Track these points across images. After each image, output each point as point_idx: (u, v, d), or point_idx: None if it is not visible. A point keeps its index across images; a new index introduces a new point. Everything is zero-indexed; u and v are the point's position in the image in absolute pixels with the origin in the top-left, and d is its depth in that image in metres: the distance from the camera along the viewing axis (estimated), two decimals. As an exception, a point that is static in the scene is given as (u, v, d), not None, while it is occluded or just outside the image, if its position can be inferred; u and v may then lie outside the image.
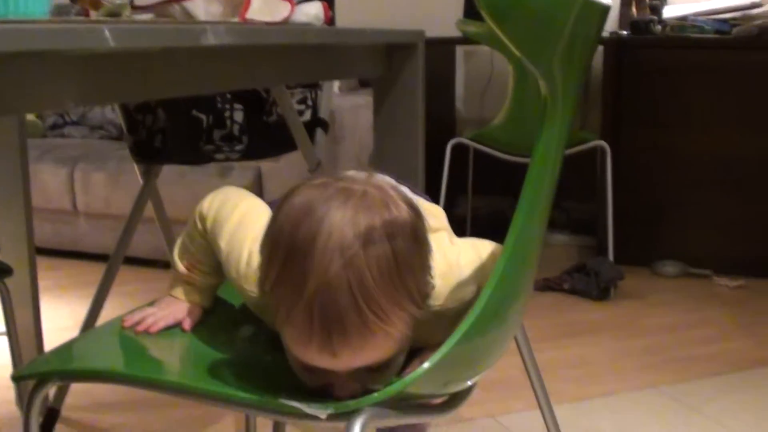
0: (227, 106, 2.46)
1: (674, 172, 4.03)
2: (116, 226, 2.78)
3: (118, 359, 1.36)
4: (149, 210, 2.63)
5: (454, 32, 4.20)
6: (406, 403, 1.19)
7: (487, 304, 1.16)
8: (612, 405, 2.64)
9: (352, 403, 1.11)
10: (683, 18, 4.07)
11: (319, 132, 2.51)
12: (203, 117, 2.45)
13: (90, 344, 1.41)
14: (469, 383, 1.30)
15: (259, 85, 2.28)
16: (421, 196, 1.52)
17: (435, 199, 1.55)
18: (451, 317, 1.23)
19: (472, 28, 3.92)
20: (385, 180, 1.19)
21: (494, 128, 4.22)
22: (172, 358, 1.39)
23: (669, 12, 4.18)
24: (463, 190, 4.61)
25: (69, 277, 4.09)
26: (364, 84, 4.43)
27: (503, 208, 4.69)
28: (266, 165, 3.93)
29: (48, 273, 4.10)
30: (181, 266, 1.47)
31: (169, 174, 3.75)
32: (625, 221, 4.06)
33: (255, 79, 1.69)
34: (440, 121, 4.84)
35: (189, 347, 1.39)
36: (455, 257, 1.29)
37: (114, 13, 1.61)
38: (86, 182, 4.22)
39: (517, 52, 1.10)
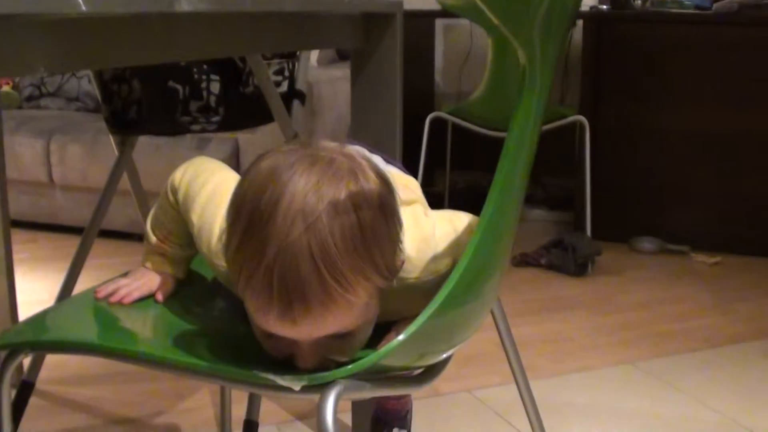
0: (204, 77, 2.44)
1: (653, 148, 4.03)
2: (93, 198, 2.76)
3: (91, 330, 1.35)
4: (126, 183, 2.61)
5: (433, 5, 4.18)
6: (380, 376, 1.18)
7: (462, 277, 1.15)
8: (588, 380, 2.64)
9: (325, 375, 1.10)
10: (663, -7, 4.07)
11: (296, 104, 2.49)
12: (179, 88, 2.43)
13: (63, 315, 1.40)
14: (445, 356, 1.30)
15: (234, 54, 2.26)
16: (395, 165, 1.50)
17: (413, 174, 1.53)
18: (426, 290, 1.21)
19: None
20: (357, 150, 1.17)
21: (473, 102, 4.22)
22: (146, 329, 1.37)
23: (649, -13, 4.17)
24: (441, 165, 4.61)
25: (45, 249, 4.07)
26: (342, 57, 4.41)
27: (481, 183, 4.69)
28: (243, 137, 3.91)
29: (25, 246, 4.09)
30: (153, 238, 1.46)
31: (145, 146, 3.74)
32: (603, 197, 4.07)
33: (230, 48, 1.67)
34: (419, 95, 4.83)
35: (163, 319, 1.37)
36: (430, 229, 1.28)
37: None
38: (62, 154, 4.19)
39: (495, 21, 1.09)
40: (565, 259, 3.70)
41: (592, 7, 4.20)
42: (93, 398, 2.50)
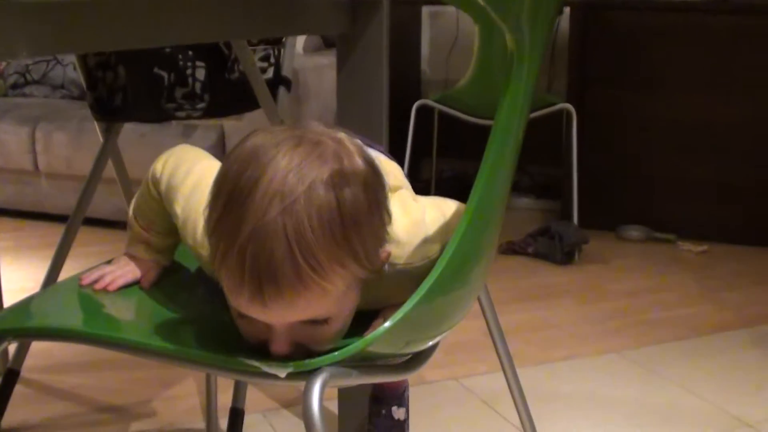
0: (189, 64, 2.43)
1: (640, 137, 4.03)
2: (78, 186, 2.75)
3: (76, 317, 1.34)
4: (111, 171, 2.60)
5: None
6: (367, 363, 1.18)
7: (448, 264, 1.14)
8: (575, 368, 2.64)
9: (311, 362, 1.09)
10: (651, -19, 4.06)
11: (281, 90, 2.48)
12: (164, 75, 2.42)
13: (47, 302, 1.38)
14: (431, 343, 1.29)
15: (220, 38, 2.25)
16: (376, 149, 1.48)
17: (399, 162, 1.52)
18: (416, 276, 1.18)
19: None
20: (348, 135, 1.14)
21: (459, 90, 4.21)
22: (131, 316, 1.37)
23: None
24: (427, 153, 4.59)
25: (31, 238, 4.05)
26: (328, 44, 4.39)
27: (468, 172, 4.69)
28: (229, 124, 3.90)
29: (10, 234, 4.07)
30: (137, 226, 1.44)
31: (130, 134, 3.73)
32: (590, 185, 4.07)
33: (216, 32, 1.66)
34: (405, 82, 4.82)
35: (148, 306, 1.37)
36: (420, 214, 1.26)
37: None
38: (48, 142, 4.17)
39: (483, 3, 1.08)
40: (552, 247, 3.69)
41: (579, -5, 4.20)
42: (78, 386, 2.49)
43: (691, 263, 3.71)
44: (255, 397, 2.39)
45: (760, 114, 3.82)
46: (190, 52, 2.42)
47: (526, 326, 2.97)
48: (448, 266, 1.15)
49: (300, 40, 4.18)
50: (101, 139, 2.49)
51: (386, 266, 1.18)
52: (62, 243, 2.37)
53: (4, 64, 5.02)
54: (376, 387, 2.06)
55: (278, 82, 2.49)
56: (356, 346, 1.10)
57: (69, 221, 2.39)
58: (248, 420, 2.20)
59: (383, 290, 1.21)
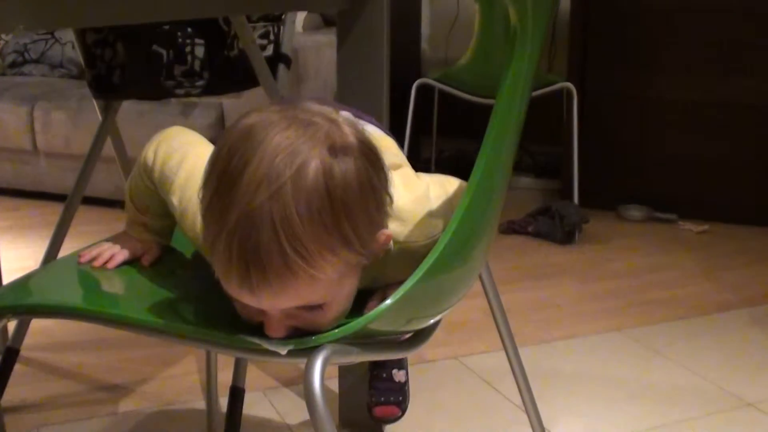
0: (188, 41, 2.41)
1: (641, 116, 4.02)
2: (77, 165, 2.73)
3: (75, 294, 1.33)
4: (110, 150, 2.59)
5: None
6: (368, 340, 1.17)
7: (450, 241, 1.14)
8: (575, 347, 2.64)
9: (312, 340, 1.09)
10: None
11: (281, 68, 2.47)
12: (163, 52, 2.41)
13: (46, 279, 1.38)
14: (432, 321, 1.28)
15: (218, 13, 2.23)
16: (372, 123, 1.45)
17: (399, 141, 1.50)
18: (419, 254, 1.16)
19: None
20: (346, 116, 1.11)
21: (460, 69, 4.20)
22: (131, 293, 1.36)
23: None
24: (427, 132, 4.58)
25: (30, 217, 4.04)
26: (328, 22, 4.38)
27: (468, 151, 4.67)
28: (228, 102, 3.89)
29: (9, 213, 4.07)
30: (134, 210, 1.43)
31: (129, 112, 3.72)
32: (591, 165, 4.06)
33: (214, 6, 1.65)
34: (405, 61, 4.81)
35: (147, 283, 1.36)
36: (423, 191, 1.25)
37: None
38: (46, 121, 4.16)
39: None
40: (553, 226, 3.69)
41: (580, -26, 4.18)
42: (78, 365, 2.49)
43: (692, 243, 3.71)
44: (255, 375, 2.39)
45: (761, 94, 3.81)
46: (189, 29, 2.41)
47: (527, 305, 2.97)
48: (450, 244, 1.14)
49: (299, 19, 4.16)
50: (100, 118, 2.48)
51: (390, 245, 1.16)
52: (61, 222, 2.36)
53: (2, 42, 5.00)
54: None
55: (278, 59, 2.47)
56: (358, 323, 1.09)
57: (68, 200, 2.38)
58: (249, 398, 2.19)
59: (386, 269, 1.20)
